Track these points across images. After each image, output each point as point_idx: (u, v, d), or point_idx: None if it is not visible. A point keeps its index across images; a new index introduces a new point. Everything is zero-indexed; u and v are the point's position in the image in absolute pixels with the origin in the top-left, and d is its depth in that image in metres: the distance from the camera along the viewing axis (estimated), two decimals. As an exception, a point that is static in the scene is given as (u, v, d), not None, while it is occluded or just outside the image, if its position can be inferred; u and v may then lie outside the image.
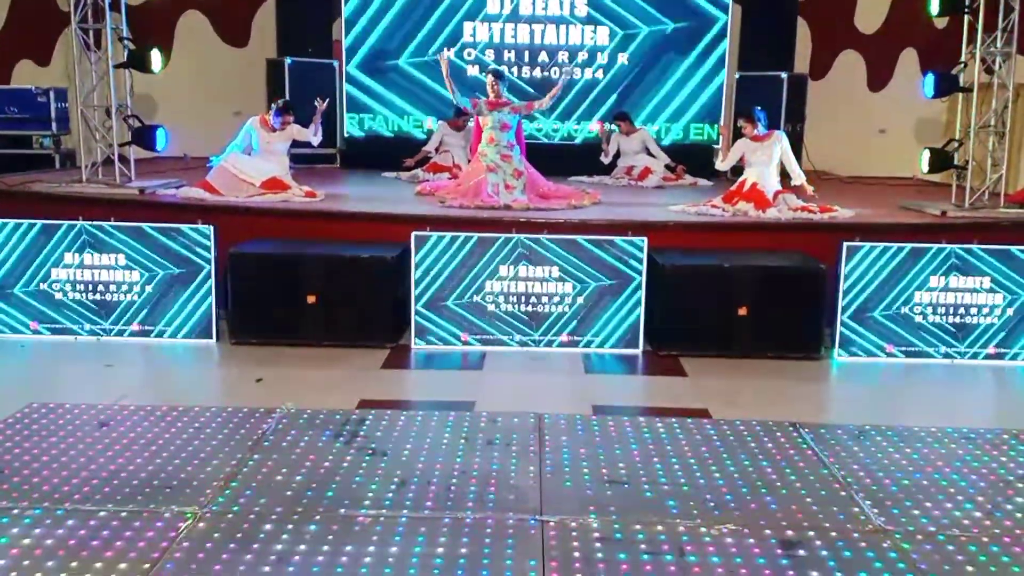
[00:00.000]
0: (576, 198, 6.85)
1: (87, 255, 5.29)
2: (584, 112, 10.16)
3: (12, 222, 5.30)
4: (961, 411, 4.50)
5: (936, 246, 5.21)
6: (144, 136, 6.71)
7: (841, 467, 3.54)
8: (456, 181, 7.23)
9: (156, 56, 6.59)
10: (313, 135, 6.90)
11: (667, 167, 8.99)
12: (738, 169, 6.70)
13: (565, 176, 8.35)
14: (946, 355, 5.22)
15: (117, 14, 6.65)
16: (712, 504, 3.20)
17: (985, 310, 5.21)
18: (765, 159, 6.36)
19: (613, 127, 8.75)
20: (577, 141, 10.07)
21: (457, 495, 3.21)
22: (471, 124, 7.54)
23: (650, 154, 9.05)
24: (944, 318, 5.21)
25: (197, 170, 7.39)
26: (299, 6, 9.75)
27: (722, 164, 6.66)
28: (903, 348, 5.21)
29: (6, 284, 5.28)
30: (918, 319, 5.20)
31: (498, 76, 6.87)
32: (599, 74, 10.12)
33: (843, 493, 3.31)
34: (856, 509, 3.18)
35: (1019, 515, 3.16)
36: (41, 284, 5.29)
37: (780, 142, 6.41)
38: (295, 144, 6.96)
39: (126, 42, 6.64)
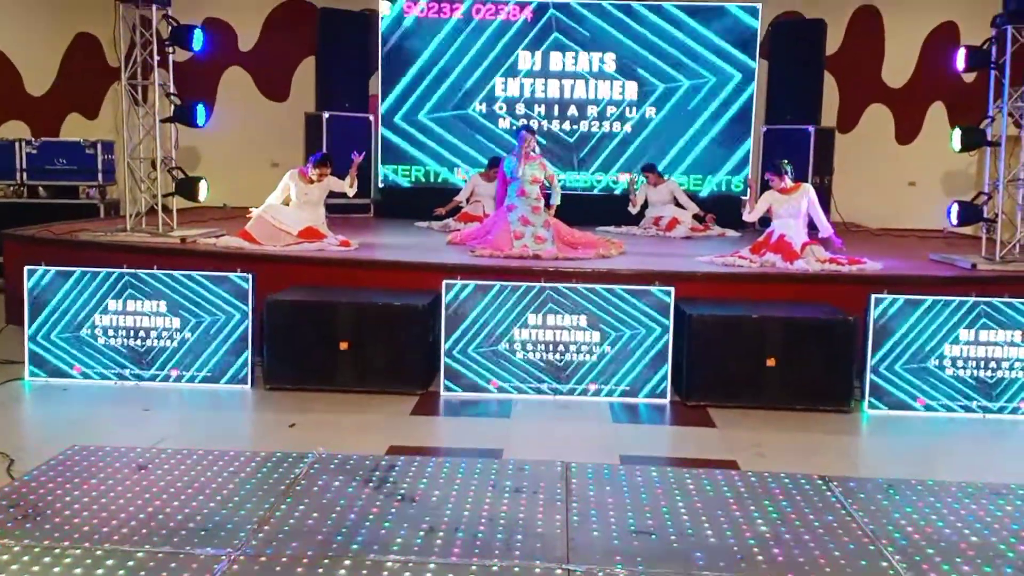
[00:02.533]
0: (603, 247, 6.94)
1: (129, 302, 5.46)
2: (612, 164, 10.32)
3: (58, 269, 5.49)
4: (992, 466, 4.45)
5: (966, 299, 5.21)
6: (187, 187, 6.94)
7: (870, 521, 3.53)
8: (485, 229, 7.36)
9: (201, 111, 6.86)
10: (349, 187, 7.09)
11: (695, 217, 9.07)
12: (766, 220, 6.76)
13: (593, 226, 8.46)
14: (977, 409, 5.18)
15: (164, 71, 6.95)
16: (739, 556, 3.20)
17: (1017, 364, 5.18)
18: (792, 211, 6.42)
19: (641, 178, 8.87)
20: (605, 192, 10.21)
21: (484, 542, 3.25)
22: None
23: (679, 205, 9.15)
24: (975, 372, 5.18)
25: (237, 220, 7.61)
26: (337, 62, 10.07)
27: (749, 216, 6.73)
28: (934, 401, 5.18)
29: (51, 329, 5.46)
30: (948, 372, 5.18)
31: (532, 133, 7.05)
32: (627, 127, 10.30)
33: (872, 547, 3.30)
34: (885, 563, 3.16)
35: (1052, 573, 3.13)
36: (85, 329, 5.46)
37: (807, 194, 6.48)
38: (331, 195, 7.16)
39: (172, 97, 6.92)
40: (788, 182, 6.46)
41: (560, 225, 7.03)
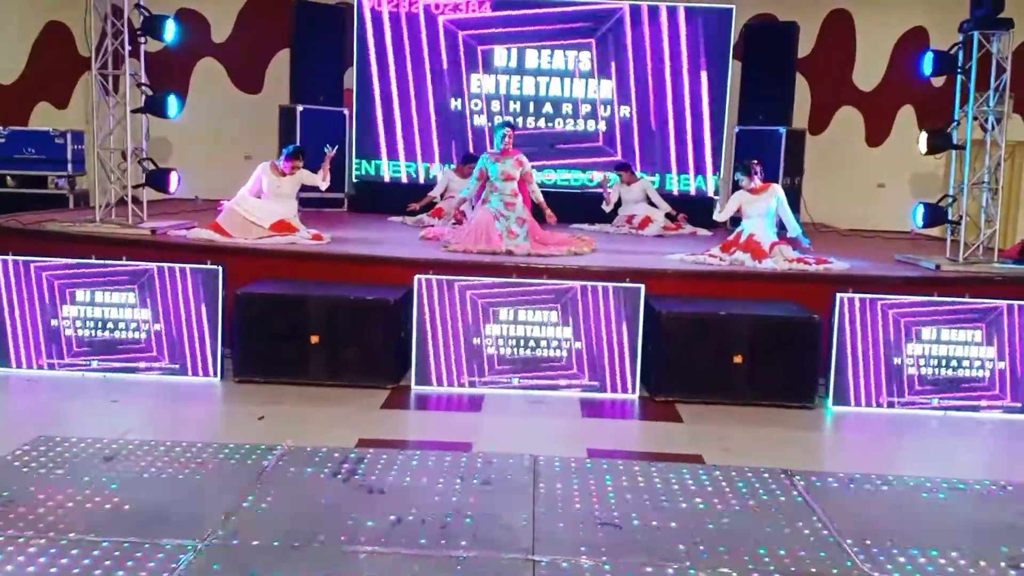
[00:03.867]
0: (575, 245, 6.98)
1: (98, 293, 5.42)
2: (586, 163, 10.37)
3: (25, 259, 5.44)
4: (951, 462, 4.56)
5: (929, 299, 5.32)
6: (158, 178, 6.89)
7: (831, 514, 3.60)
8: (460, 227, 7.39)
9: (173, 102, 6.79)
10: (321, 180, 7.08)
11: (668, 216, 9.15)
12: (737, 220, 6.85)
13: (567, 224, 8.50)
14: (938, 407, 5.29)
15: (136, 61, 6.89)
16: (702, 548, 3.26)
17: (977, 363, 5.29)
18: (762, 211, 6.51)
19: (614, 176, 8.93)
20: (578, 189, 10.26)
21: (451, 533, 3.28)
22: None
23: (651, 203, 9.22)
24: (936, 370, 5.29)
25: (208, 212, 7.55)
26: (312, 56, 10.01)
27: (720, 216, 6.82)
28: (896, 399, 5.28)
29: (18, 319, 5.40)
30: (911, 371, 5.28)
31: (512, 129, 7.08)
32: (601, 125, 10.36)
33: (832, 540, 3.37)
34: (843, 555, 3.24)
35: (1003, 565, 3.21)
36: (52, 320, 5.42)
37: (776, 194, 6.57)
38: (304, 188, 7.13)
39: (144, 88, 6.86)
40: (757, 182, 6.55)
41: (534, 223, 7.06)
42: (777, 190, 6.62)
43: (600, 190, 8.23)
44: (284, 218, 6.77)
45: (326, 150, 7.10)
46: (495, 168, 6.87)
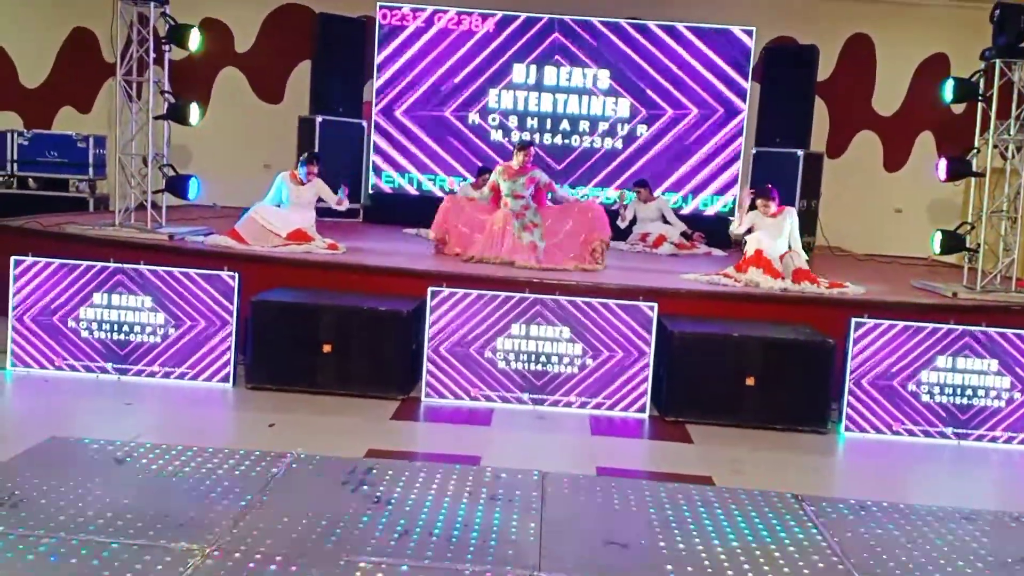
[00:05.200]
0: (586, 262, 6.97)
1: (115, 296, 5.46)
2: (602, 180, 10.40)
3: (44, 260, 5.49)
4: (964, 492, 4.52)
5: (945, 326, 5.28)
6: (177, 185, 6.96)
7: (840, 540, 3.57)
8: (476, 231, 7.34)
9: (195, 110, 6.87)
10: (337, 204, 7.23)
11: (683, 235, 9.14)
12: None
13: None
14: (953, 435, 5.24)
15: (160, 68, 6.98)
16: (710, 571, 3.23)
17: (992, 393, 5.24)
18: (775, 233, 6.52)
19: (631, 194, 8.95)
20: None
21: (458, 547, 3.27)
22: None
23: (666, 222, 9.22)
24: (951, 399, 5.25)
25: (226, 219, 7.62)
26: (333, 67, 10.10)
27: (737, 229, 6.81)
28: (910, 426, 5.24)
29: (35, 320, 5.46)
30: (925, 398, 5.24)
31: (526, 148, 7.13)
32: (619, 144, 10.39)
33: (840, 566, 3.34)
34: (852, 582, 3.21)
35: (1015, 597, 3.18)
36: (69, 322, 5.46)
37: (790, 217, 6.57)
38: (322, 201, 7.20)
39: (167, 95, 6.94)
40: (773, 207, 6.57)
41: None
42: (792, 213, 6.63)
43: (616, 207, 8.24)
44: (301, 227, 6.83)
45: (342, 192, 7.22)
46: (507, 186, 6.93)
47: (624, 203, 8.25)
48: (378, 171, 10.50)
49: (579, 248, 7.07)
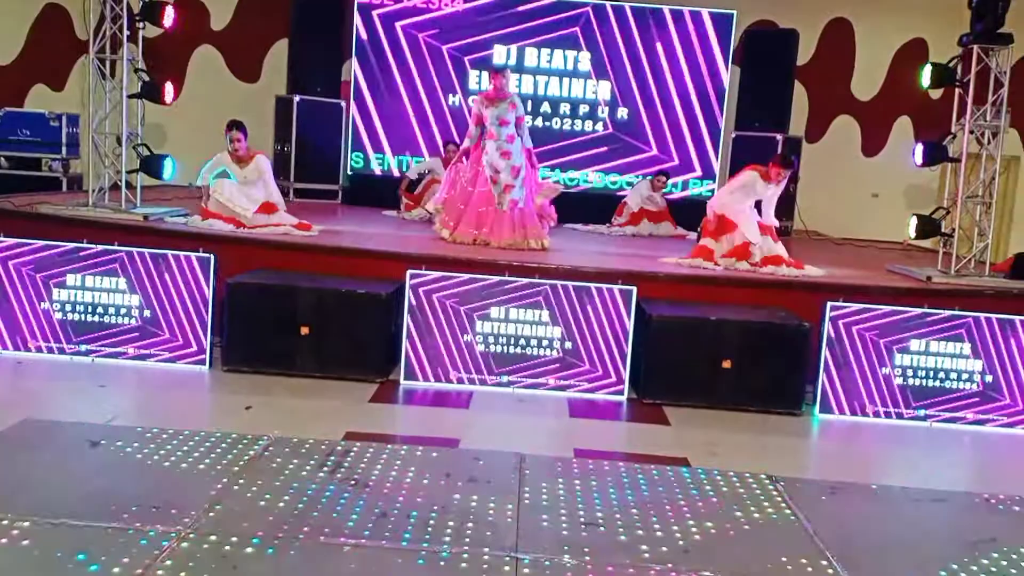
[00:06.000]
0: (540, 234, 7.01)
1: (89, 277, 5.40)
2: (582, 163, 10.39)
3: (17, 241, 5.41)
4: (935, 473, 4.59)
5: (918, 310, 5.34)
6: (152, 164, 6.87)
7: (813, 521, 3.61)
8: (456, 200, 7.20)
9: (169, 89, 6.78)
10: (280, 200, 6.99)
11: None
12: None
13: (560, 224, 8.52)
14: (925, 417, 5.32)
15: (134, 46, 6.86)
16: (685, 551, 3.27)
17: (965, 376, 5.32)
18: (764, 198, 6.61)
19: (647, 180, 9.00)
20: (576, 188, 10.27)
21: (435, 529, 3.28)
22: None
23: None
24: (924, 381, 5.31)
25: (201, 199, 7.51)
26: (311, 46, 10.00)
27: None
28: (883, 408, 5.31)
29: (8, 301, 5.38)
30: (898, 381, 5.31)
31: (499, 72, 7.06)
32: (599, 127, 10.37)
33: (812, 546, 3.38)
34: (824, 563, 3.25)
35: (983, 576, 3.24)
36: (42, 303, 5.39)
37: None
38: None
39: (141, 73, 6.83)
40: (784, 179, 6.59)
41: (530, 171, 7.10)
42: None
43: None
44: (266, 199, 6.76)
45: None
46: (491, 113, 6.86)
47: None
48: (357, 151, 10.42)
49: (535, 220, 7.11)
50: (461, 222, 6.96)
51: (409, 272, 5.37)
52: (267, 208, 6.73)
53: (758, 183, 6.57)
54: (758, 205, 6.67)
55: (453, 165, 7.29)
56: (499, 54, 10.26)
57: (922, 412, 5.32)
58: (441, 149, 9.40)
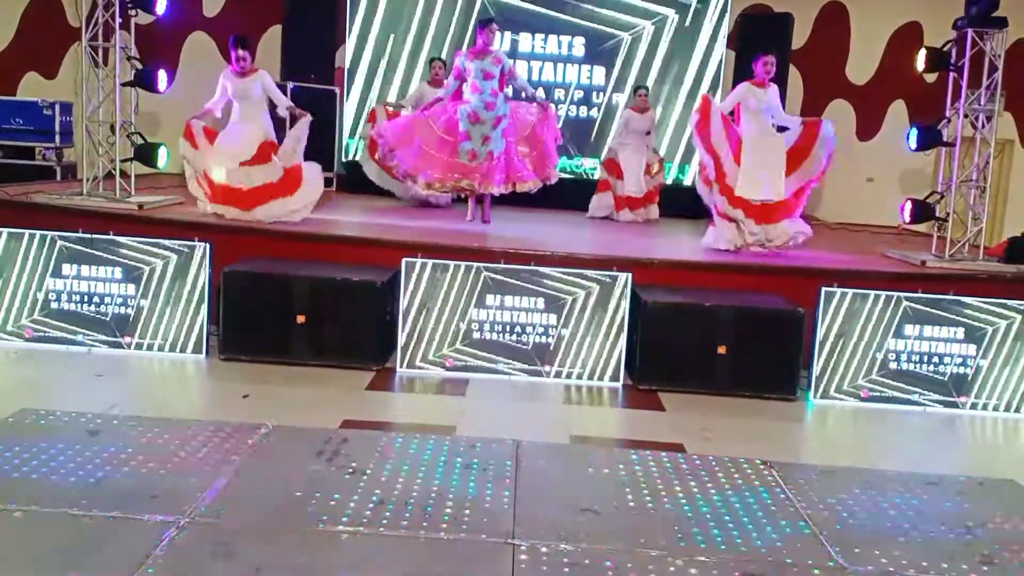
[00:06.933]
0: (543, 171, 7.02)
1: (84, 267, 5.39)
2: (578, 149, 10.37)
3: (11, 230, 5.41)
4: (929, 457, 4.62)
5: (913, 294, 5.36)
6: (146, 153, 6.85)
7: (807, 505, 3.65)
8: (414, 136, 7.05)
9: (162, 76, 6.74)
10: (286, 109, 6.72)
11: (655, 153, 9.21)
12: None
13: (554, 210, 8.56)
14: (919, 402, 5.35)
15: (126, 33, 6.82)
16: (680, 536, 3.30)
17: (958, 359, 5.35)
18: (764, 106, 6.64)
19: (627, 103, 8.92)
20: (570, 175, 10.25)
21: (433, 516, 3.30)
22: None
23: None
24: (918, 366, 5.34)
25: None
26: (305, 33, 9.94)
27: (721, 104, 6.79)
28: (877, 393, 5.33)
29: (3, 291, 5.38)
30: (893, 366, 5.33)
31: (486, 27, 6.99)
32: (594, 112, 10.35)
33: (807, 531, 3.42)
34: (819, 547, 3.28)
35: (976, 560, 3.26)
36: (38, 293, 5.39)
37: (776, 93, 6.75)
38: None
39: (134, 61, 6.80)
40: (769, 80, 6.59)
41: (516, 119, 7.07)
42: (775, 88, 6.74)
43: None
44: (261, 141, 6.53)
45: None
46: (475, 66, 6.81)
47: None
48: (352, 138, 10.38)
49: (538, 159, 7.07)
50: (439, 171, 6.89)
51: (405, 260, 5.38)
52: (263, 154, 6.47)
53: (749, 90, 6.61)
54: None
55: (422, 110, 7.18)
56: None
57: (916, 396, 5.35)
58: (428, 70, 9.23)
